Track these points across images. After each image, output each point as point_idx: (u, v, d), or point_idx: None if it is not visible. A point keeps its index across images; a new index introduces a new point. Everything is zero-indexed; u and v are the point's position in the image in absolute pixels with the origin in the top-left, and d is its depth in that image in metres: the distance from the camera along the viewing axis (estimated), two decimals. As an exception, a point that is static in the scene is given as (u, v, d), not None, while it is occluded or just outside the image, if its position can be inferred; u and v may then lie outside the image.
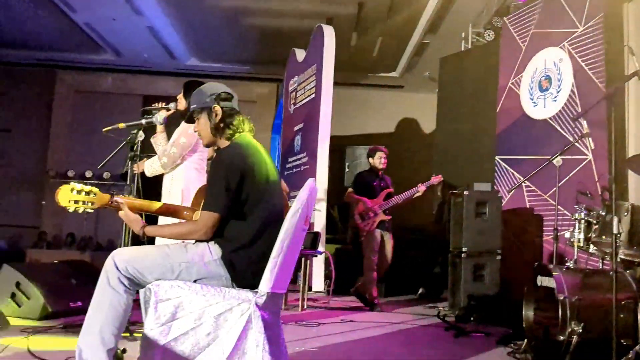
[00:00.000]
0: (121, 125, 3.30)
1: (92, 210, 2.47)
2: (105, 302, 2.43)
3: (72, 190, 2.43)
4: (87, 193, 2.45)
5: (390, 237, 6.24)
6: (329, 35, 8.50)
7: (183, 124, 3.94)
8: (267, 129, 11.90)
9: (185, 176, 3.92)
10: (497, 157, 7.01)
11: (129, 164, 3.08)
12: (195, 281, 2.44)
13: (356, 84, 12.88)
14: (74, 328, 4.00)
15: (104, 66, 12.82)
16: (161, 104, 4.05)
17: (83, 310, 4.55)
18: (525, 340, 3.84)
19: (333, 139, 8.30)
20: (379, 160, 6.25)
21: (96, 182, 12.39)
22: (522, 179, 6.53)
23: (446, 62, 8.97)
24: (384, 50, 11.20)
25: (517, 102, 6.92)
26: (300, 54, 9.78)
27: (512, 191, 6.67)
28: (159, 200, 4.10)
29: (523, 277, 5.35)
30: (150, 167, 4.03)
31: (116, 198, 2.54)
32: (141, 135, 3.83)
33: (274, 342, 2.44)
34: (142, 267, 2.43)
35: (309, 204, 2.56)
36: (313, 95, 8.66)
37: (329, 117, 8.18)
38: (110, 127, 3.56)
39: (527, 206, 6.45)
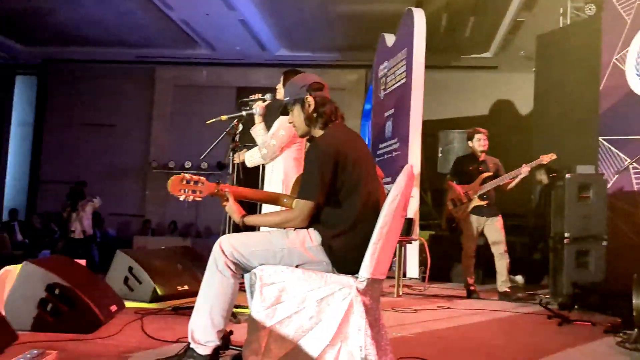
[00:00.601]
0: (223, 117, 3.43)
1: (201, 199, 2.59)
2: (214, 285, 2.55)
3: (182, 180, 2.56)
4: (196, 182, 2.58)
5: (496, 220, 5.96)
6: (419, 18, 8.34)
7: (282, 117, 4.02)
8: (356, 115, 11.92)
9: (284, 166, 4.01)
10: (600, 138, 6.65)
11: (231, 155, 3.19)
12: (297, 266, 2.51)
13: (448, 67, 12.59)
14: (182, 310, 4.23)
15: (199, 60, 13.31)
16: (257, 95, 4.16)
17: (189, 293, 4.84)
18: (636, 329, 3.65)
19: (425, 123, 8.17)
20: (478, 142, 6.04)
21: (195, 172, 12.95)
22: (629, 160, 6.16)
23: (544, 39, 8.58)
24: (476, 30, 10.88)
25: (623, 79, 6.51)
26: (390, 39, 9.68)
27: (619, 174, 6.31)
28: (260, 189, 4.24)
29: (631, 264, 5.06)
30: (250, 158, 4.16)
31: (222, 186, 2.65)
32: (240, 126, 3.97)
33: (375, 327, 2.47)
34: (247, 253, 2.53)
35: (407, 190, 2.55)
36: (404, 80, 8.56)
37: (421, 102, 8.05)
38: (213, 120, 3.71)
39: (635, 189, 6.08)
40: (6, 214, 12.95)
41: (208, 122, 3.74)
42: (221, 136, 3.80)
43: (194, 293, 4.88)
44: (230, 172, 3.14)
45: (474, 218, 5.96)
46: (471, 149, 6.13)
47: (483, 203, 5.95)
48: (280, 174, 4.03)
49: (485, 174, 5.99)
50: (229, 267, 2.53)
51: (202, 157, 4.21)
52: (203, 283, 2.58)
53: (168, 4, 10.30)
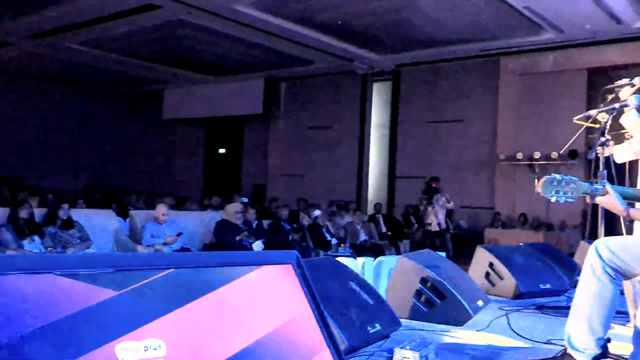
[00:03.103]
0: (592, 112, 3.22)
1: (573, 200, 2.50)
2: (591, 291, 2.44)
3: (552, 181, 2.51)
4: (567, 183, 2.50)
5: None
6: None
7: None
8: None
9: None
10: None
11: (602, 151, 2.97)
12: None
13: None
14: (547, 309, 4.14)
15: (544, 45, 12.75)
16: (624, 81, 3.78)
17: (551, 292, 4.69)
18: None
19: None
20: None
21: (544, 162, 12.47)
22: None
23: None
24: None
25: None
26: None
27: None
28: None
29: None
30: (620, 152, 3.83)
31: (595, 186, 2.50)
32: (609, 118, 3.68)
33: None
34: (628, 258, 2.34)
35: None
36: None
37: None
38: (581, 116, 3.51)
39: None
40: (371, 207, 14.56)
41: (576, 119, 3.55)
42: (580, 130, 3.57)
43: (556, 292, 4.77)
44: (601, 169, 2.92)
45: None
46: None
47: None
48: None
49: None
50: (607, 273, 2.38)
51: (562, 151, 4.04)
52: (579, 287, 2.49)
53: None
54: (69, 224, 6.76)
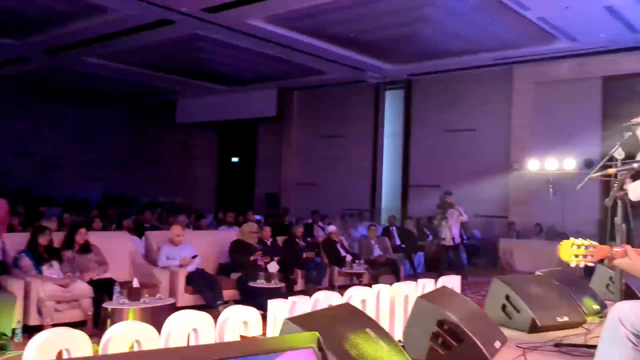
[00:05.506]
0: (611, 170, 3.19)
1: (593, 264, 2.49)
2: (612, 354, 2.43)
3: (572, 245, 2.51)
4: (587, 247, 2.49)
5: None
6: None
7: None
8: None
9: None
10: None
11: (619, 204, 2.95)
12: None
13: None
14: (565, 347, 4.12)
15: (558, 54, 12.66)
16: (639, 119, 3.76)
17: (569, 325, 4.67)
18: None
19: None
20: None
21: (558, 171, 12.36)
22: None
23: None
24: None
25: None
26: None
27: None
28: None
29: None
30: (635, 191, 3.81)
31: (616, 249, 2.49)
32: (622, 154, 3.68)
33: None
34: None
35: None
36: None
37: None
38: (596, 174, 3.49)
39: None
40: (385, 216, 14.53)
41: (579, 187, 3.51)
42: (593, 171, 3.52)
43: (574, 324, 4.74)
44: (619, 223, 2.91)
45: None
46: None
47: None
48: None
49: None
50: (629, 339, 2.36)
51: (578, 187, 4.02)
52: (599, 352, 2.47)
53: (525, 5, 10.09)
54: (86, 248, 6.82)
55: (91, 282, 6.31)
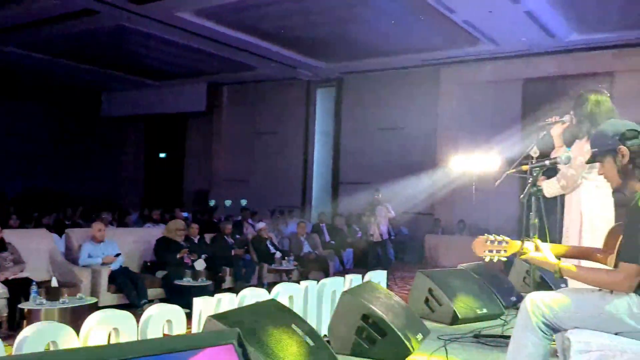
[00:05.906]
0: (525, 167, 3.34)
1: (505, 259, 2.61)
2: (523, 344, 2.52)
3: (486, 240, 2.61)
4: (500, 242, 2.60)
5: None
6: None
7: (577, 142, 3.78)
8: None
9: (583, 196, 3.74)
10: None
11: (532, 200, 3.10)
12: (616, 334, 2.35)
13: None
14: (484, 338, 4.29)
15: (482, 57, 13.12)
16: (554, 119, 3.96)
17: (487, 317, 4.86)
18: None
19: None
20: None
21: (482, 169, 12.80)
22: None
23: None
24: None
25: None
26: None
27: None
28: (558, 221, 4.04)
29: None
30: (548, 188, 4.00)
31: (527, 245, 2.61)
32: (537, 152, 3.87)
33: None
34: (561, 313, 2.45)
35: None
36: None
37: None
38: (512, 170, 3.64)
39: None
40: (315, 213, 14.62)
41: (509, 172, 3.68)
42: (512, 169, 3.68)
43: (492, 316, 4.94)
44: (533, 219, 3.06)
45: None
46: None
47: None
48: (579, 204, 3.77)
49: None
50: (540, 328, 2.48)
51: (497, 183, 4.19)
52: (513, 337, 2.57)
53: (451, 8, 10.40)
54: (1, 245, 6.49)
55: (6, 282, 6.02)
